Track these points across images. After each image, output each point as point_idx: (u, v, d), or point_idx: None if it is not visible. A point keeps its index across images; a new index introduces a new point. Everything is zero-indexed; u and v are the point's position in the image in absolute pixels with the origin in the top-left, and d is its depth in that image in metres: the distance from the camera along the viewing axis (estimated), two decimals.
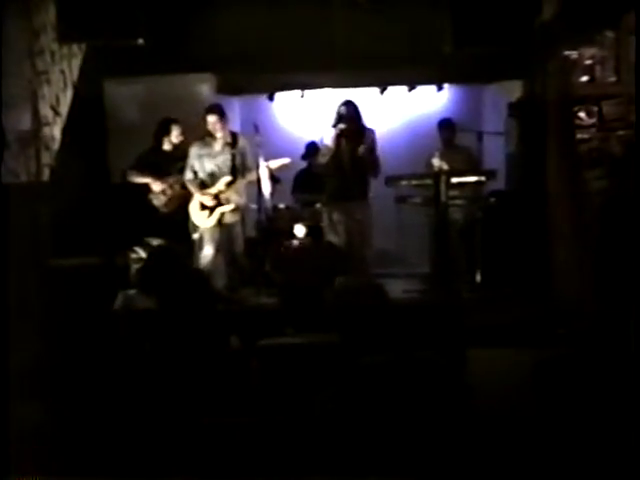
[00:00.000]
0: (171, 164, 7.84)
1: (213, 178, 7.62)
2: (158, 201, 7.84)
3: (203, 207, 7.60)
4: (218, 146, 7.62)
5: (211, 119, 7.53)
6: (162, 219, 7.79)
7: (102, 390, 5.16)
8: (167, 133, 7.93)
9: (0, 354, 4.87)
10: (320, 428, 4.57)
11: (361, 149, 7.52)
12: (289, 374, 5.23)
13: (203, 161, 7.63)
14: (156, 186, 7.80)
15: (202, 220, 7.60)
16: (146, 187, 7.82)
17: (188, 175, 7.66)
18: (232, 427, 4.72)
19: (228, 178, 7.56)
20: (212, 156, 7.63)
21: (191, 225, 7.68)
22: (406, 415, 4.38)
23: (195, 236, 7.65)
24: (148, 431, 4.76)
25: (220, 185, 7.57)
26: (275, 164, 7.73)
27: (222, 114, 7.58)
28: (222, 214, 7.58)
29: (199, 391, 5.05)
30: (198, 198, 7.60)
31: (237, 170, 7.59)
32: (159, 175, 7.81)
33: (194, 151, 7.65)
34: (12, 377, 4.95)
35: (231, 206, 7.58)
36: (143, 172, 7.82)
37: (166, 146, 7.96)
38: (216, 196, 7.58)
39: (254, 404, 5.02)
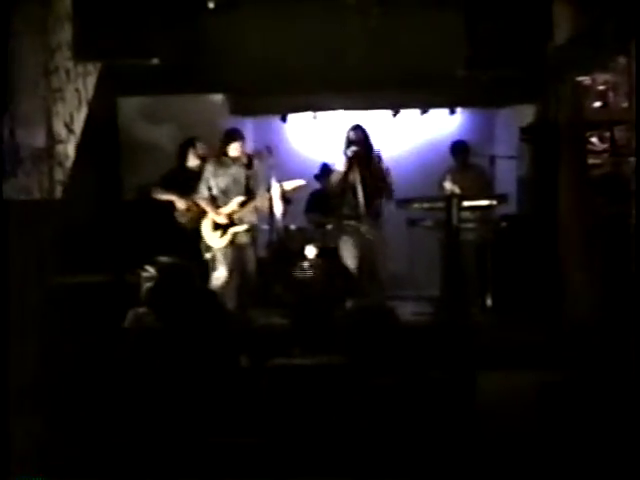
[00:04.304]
0: (195, 182, 7.83)
1: (226, 197, 7.66)
2: (184, 218, 7.89)
3: (216, 227, 7.62)
4: (234, 167, 7.67)
5: (235, 145, 7.62)
6: (185, 236, 7.82)
7: (112, 408, 5.17)
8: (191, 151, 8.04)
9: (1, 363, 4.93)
10: (329, 448, 4.57)
11: (376, 173, 7.57)
12: (299, 394, 5.24)
13: (218, 180, 7.67)
14: (180, 204, 7.87)
15: (214, 240, 7.62)
16: (170, 204, 7.90)
17: (203, 193, 7.70)
18: (241, 447, 4.73)
19: (241, 198, 7.59)
20: (227, 176, 7.66)
21: (203, 245, 7.70)
22: (415, 435, 4.37)
23: (207, 256, 7.67)
24: (159, 449, 4.77)
25: (233, 205, 7.60)
26: (289, 185, 7.75)
27: (244, 139, 7.73)
28: (235, 234, 7.59)
29: (208, 410, 5.05)
30: (211, 217, 7.63)
31: (251, 191, 7.64)
32: (183, 193, 7.87)
33: (209, 169, 7.70)
34: (21, 393, 4.99)
35: (244, 226, 7.60)
36: (168, 190, 7.91)
37: (189, 164, 8.06)
38: (229, 216, 7.61)
39: (263, 424, 5.01)
